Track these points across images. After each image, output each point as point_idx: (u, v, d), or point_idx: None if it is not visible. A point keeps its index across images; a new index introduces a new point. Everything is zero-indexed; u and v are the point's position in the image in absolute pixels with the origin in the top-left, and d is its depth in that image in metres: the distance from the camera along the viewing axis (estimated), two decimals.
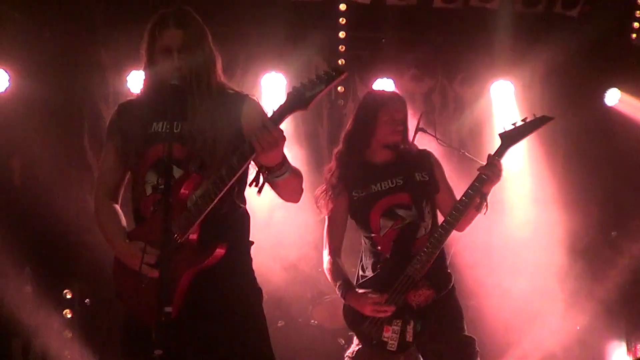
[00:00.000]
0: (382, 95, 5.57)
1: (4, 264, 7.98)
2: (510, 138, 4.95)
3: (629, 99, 9.46)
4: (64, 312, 7.81)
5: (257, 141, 3.53)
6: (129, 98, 4.23)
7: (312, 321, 7.95)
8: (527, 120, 4.88)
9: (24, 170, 8.81)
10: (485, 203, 4.95)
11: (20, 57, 8.47)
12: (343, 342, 8.01)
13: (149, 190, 3.90)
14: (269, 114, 3.61)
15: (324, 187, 5.26)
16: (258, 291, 4.02)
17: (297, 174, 3.83)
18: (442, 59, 9.10)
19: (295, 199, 3.98)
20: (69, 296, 7.83)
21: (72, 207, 8.52)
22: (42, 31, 8.45)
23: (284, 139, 3.57)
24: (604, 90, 9.52)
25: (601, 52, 9.22)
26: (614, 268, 8.44)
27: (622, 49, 9.29)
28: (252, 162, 3.75)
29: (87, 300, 7.73)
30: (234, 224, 3.97)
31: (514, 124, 4.91)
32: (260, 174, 3.74)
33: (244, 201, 4.03)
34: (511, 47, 9.16)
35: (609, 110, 9.51)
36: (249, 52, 8.72)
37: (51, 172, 8.39)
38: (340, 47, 9.05)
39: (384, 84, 9.22)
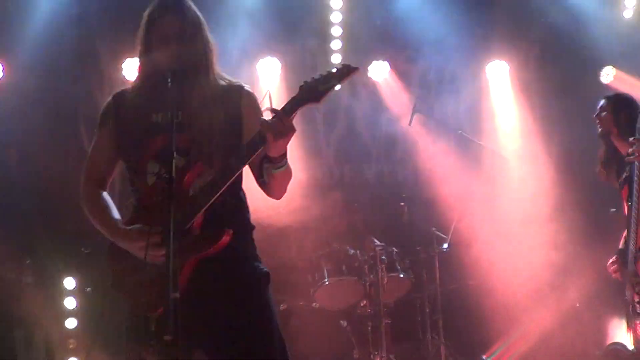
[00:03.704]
0: None
1: (4, 256, 7.99)
2: None
3: (624, 76, 9.45)
4: (65, 302, 7.79)
5: (270, 131, 3.56)
6: (123, 88, 4.16)
7: (314, 304, 7.98)
8: None
9: (21, 161, 8.80)
10: None
11: (14, 47, 8.45)
12: (345, 323, 8.06)
13: (151, 181, 3.87)
14: (282, 105, 3.65)
15: None
16: (264, 275, 4.00)
17: (289, 168, 3.85)
18: (438, 40, 9.06)
19: (281, 195, 3.98)
20: (70, 286, 7.81)
21: (70, 196, 8.50)
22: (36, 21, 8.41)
23: (294, 129, 3.62)
24: (599, 68, 9.51)
25: (596, 29, 9.20)
26: (612, 245, 8.43)
27: (616, 26, 9.28)
28: None
29: (88, 289, 7.72)
30: (236, 211, 3.96)
31: None
32: (264, 165, 3.78)
33: (236, 195, 4.00)
34: (506, 27, 9.18)
35: (605, 88, 9.50)
36: (244, 37, 8.69)
37: (48, 162, 8.38)
38: (335, 29, 9.05)
39: (379, 67, 9.23)
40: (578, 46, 9.26)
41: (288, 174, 3.83)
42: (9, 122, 8.41)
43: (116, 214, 3.98)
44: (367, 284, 7.94)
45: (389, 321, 7.98)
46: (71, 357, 7.65)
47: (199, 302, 3.73)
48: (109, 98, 4.11)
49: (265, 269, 4.03)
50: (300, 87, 3.66)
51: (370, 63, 9.23)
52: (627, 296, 5.73)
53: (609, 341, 8.36)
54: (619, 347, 8.12)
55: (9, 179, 8.69)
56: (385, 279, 7.84)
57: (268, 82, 8.79)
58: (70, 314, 7.77)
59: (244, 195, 4.06)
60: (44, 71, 8.48)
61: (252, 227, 4.07)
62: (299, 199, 8.21)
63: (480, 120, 9.32)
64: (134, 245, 3.77)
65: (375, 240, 8.10)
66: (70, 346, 7.57)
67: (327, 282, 7.87)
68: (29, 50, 8.39)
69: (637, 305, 5.40)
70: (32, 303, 7.56)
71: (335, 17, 9.00)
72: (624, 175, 5.83)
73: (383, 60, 9.25)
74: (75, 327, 7.73)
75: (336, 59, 9.02)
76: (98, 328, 7.46)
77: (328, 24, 9.04)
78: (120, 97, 4.07)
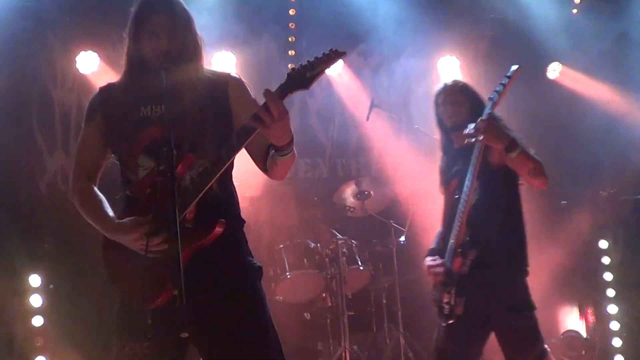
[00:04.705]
0: None
1: None
2: None
3: (570, 72, 9.67)
4: (30, 299, 7.66)
5: (259, 118, 3.55)
6: (109, 82, 4.14)
7: (277, 297, 8.03)
8: None
9: None
10: None
11: None
12: (309, 316, 8.12)
13: (141, 174, 3.88)
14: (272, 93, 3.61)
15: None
16: (257, 269, 4.05)
17: (295, 153, 3.84)
18: (390, 35, 9.17)
19: (284, 177, 4.01)
20: (35, 283, 7.68)
21: (23, 191, 8.43)
22: None
23: (287, 114, 3.59)
24: (546, 64, 9.70)
25: (543, 26, 9.38)
26: (564, 235, 8.65)
27: (564, 23, 9.47)
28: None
29: (51, 286, 7.62)
30: (227, 204, 3.99)
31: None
32: (270, 152, 3.80)
33: (227, 188, 4.01)
34: (457, 22, 9.32)
35: (552, 84, 9.71)
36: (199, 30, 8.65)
37: (2, 157, 8.26)
38: (290, 24, 9.10)
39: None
40: (526, 42, 9.43)
41: (292, 159, 3.82)
42: None
43: (109, 208, 3.96)
44: (329, 276, 8.03)
45: (352, 313, 8.09)
46: (38, 355, 7.56)
47: (192, 295, 3.69)
48: (96, 92, 4.10)
49: (257, 263, 4.06)
50: (288, 74, 3.65)
51: None
52: (434, 296, 5.36)
53: (563, 329, 8.61)
54: (574, 335, 8.38)
55: None
56: (347, 271, 7.95)
57: None
58: (37, 311, 7.65)
59: (234, 189, 4.08)
60: None
61: (242, 222, 4.09)
62: (257, 192, 8.26)
63: (433, 115, 9.42)
64: (128, 237, 3.76)
65: (337, 234, 8.19)
66: (38, 344, 7.45)
67: (288, 276, 7.93)
68: None
69: (445, 306, 5.27)
70: None
71: (290, 11, 9.04)
72: (455, 168, 5.57)
73: None
74: (42, 325, 7.61)
75: (290, 53, 9.08)
76: (65, 326, 7.42)
77: (283, 18, 9.08)
78: (106, 91, 4.07)
